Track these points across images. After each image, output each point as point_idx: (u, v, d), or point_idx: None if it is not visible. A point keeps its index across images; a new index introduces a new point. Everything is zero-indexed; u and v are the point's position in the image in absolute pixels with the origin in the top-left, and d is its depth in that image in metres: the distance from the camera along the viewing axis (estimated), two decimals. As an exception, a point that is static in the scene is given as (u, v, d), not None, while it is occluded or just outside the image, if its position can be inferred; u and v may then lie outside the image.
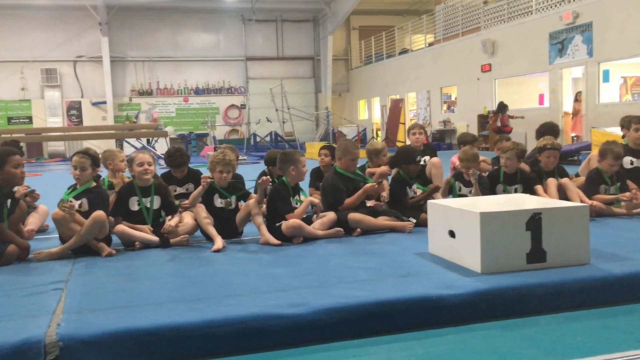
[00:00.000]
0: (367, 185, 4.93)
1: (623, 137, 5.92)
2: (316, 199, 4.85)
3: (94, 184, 4.42)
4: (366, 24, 27.81)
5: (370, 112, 26.51)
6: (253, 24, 25.97)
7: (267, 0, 24.38)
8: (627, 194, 5.14)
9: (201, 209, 4.58)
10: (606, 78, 14.41)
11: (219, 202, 4.73)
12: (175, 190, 5.26)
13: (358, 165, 5.26)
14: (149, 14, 24.82)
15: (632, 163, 5.57)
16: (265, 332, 2.68)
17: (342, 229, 4.65)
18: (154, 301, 2.99)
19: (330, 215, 4.73)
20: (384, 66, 24.50)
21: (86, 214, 4.22)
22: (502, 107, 15.93)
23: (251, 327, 2.67)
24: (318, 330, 2.74)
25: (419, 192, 5.21)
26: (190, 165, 5.49)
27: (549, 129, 6.18)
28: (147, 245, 4.41)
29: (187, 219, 4.71)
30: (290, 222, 4.47)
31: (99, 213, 4.16)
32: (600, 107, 13.99)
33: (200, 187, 4.60)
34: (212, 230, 4.45)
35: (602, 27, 13.54)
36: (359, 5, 24.38)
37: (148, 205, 4.59)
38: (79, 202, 4.32)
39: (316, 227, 4.60)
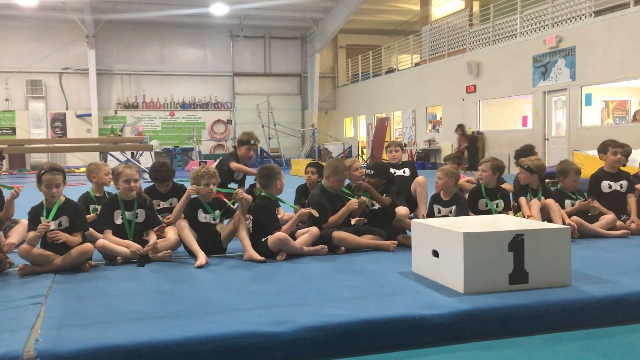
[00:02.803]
0: (350, 201, 4.93)
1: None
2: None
3: (63, 198, 4.32)
4: (353, 42, 28.07)
5: (356, 130, 26.64)
6: (241, 40, 26.09)
7: (256, 17, 24.53)
8: (589, 202, 5.39)
9: (185, 224, 4.56)
10: (588, 102, 14.65)
11: (202, 217, 4.71)
12: (159, 205, 5.23)
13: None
14: (137, 27, 24.84)
15: (610, 187, 5.65)
16: (246, 350, 2.66)
17: (326, 247, 4.65)
18: (134, 317, 2.95)
19: (313, 230, 4.72)
20: (370, 85, 24.69)
21: (66, 231, 4.16)
22: (461, 127, 17.39)
23: (232, 345, 2.65)
24: (300, 348, 2.72)
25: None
26: (174, 180, 5.47)
27: (525, 150, 6.38)
28: (128, 260, 4.37)
29: (170, 234, 4.68)
30: (277, 235, 4.45)
31: (88, 246, 4.13)
32: (583, 130, 14.20)
33: (183, 198, 4.59)
34: (196, 246, 4.42)
35: (585, 51, 13.79)
36: (347, 25, 24.64)
37: (131, 219, 4.56)
38: (57, 221, 4.18)
39: (301, 242, 4.60)
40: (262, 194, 4.80)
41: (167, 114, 26.24)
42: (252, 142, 5.88)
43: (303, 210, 4.76)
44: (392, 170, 5.80)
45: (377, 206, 5.19)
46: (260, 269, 4.15)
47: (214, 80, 26.75)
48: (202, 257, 4.28)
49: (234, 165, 5.74)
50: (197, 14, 22.98)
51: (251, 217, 4.74)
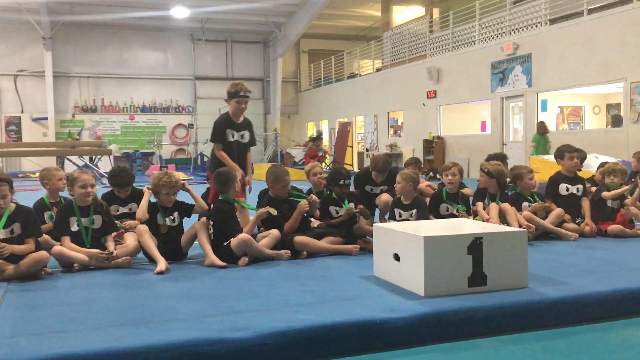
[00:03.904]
0: (300, 203, 4.91)
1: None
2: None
3: (14, 205, 4.19)
4: (316, 47, 28.16)
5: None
6: (202, 44, 25.88)
7: (217, 20, 24.37)
8: (544, 205, 5.55)
9: (144, 230, 4.49)
10: (544, 107, 15.04)
11: (161, 221, 4.66)
12: (118, 210, 5.14)
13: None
14: (95, 29, 24.38)
15: (567, 189, 5.81)
16: (207, 357, 2.62)
17: (289, 251, 4.64)
18: (92, 325, 2.89)
19: (274, 232, 4.70)
20: (332, 89, 24.81)
21: (19, 237, 4.04)
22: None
23: (193, 352, 2.61)
24: (262, 354, 2.71)
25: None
26: (134, 185, 5.38)
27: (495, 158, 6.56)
28: (86, 267, 4.27)
29: (130, 239, 4.60)
30: (240, 237, 4.42)
31: (43, 254, 4.02)
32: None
33: (144, 200, 4.61)
34: (155, 252, 4.36)
35: (541, 58, 14.16)
36: (309, 29, 24.70)
37: (87, 226, 4.46)
38: (9, 229, 4.05)
39: (262, 245, 4.57)
40: (220, 198, 4.78)
41: (126, 118, 25.81)
42: (242, 93, 5.20)
43: (261, 210, 4.73)
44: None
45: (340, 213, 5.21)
46: (222, 274, 4.11)
47: (175, 84, 26.45)
48: (162, 263, 4.21)
49: (218, 153, 5.21)
50: (157, 17, 22.69)
51: (211, 223, 4.69)
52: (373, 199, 5.90)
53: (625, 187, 5.58)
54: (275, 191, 4.98)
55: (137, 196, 5.05)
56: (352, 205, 5.09)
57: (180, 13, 21.72)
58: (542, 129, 13.54)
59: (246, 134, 5.34)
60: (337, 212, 5.19)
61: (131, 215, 4.99)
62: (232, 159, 5.13)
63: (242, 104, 5.23)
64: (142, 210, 4.61)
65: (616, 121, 14.85)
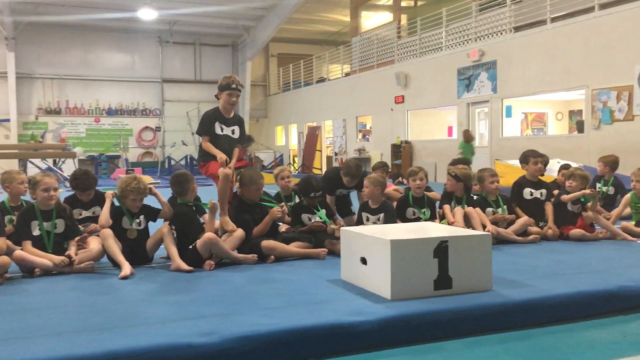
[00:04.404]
0: (273, 210, 4.91)
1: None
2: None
3: None
4: (285, 51, 28.17)
5: (287, 139, 26.69)
6: (170, 46, 25.64)
7: (185, 23, 24.19)
8: (504, 216, 5.61)
9: (109, 234, 4.41)
10: (509, 113, 15.33)
11: (127, 224, 4.59)
12: (81, 214, 5.04)
13: None
14: (60, 30, 23.94)
15: (531, 194, 5.92)
16: (172, 362, 2.59)
17: (256, 256, 4.62)
18: (53, 332, 2.82)
19: (238, 232, 4.67)
20: (301, 94, 24.84)
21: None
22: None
23: (157, 358, 2.57)
24: (228, 359, 2.69)
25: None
26: (99, 188, 5.29)
27: (459, 162, 6.62)
28: (47, 272, 4.18)
29: (93, 244, 4.52)
30: (206, 236, 4.39)
31: (4, 260, 3.93)
32: (504, 140, 14.82)
33: (106, 205, 4.51)
34: (120, 256, 4.29)
35: (505, 65, 14.43)
36: (278, 33, 24.71)
37: (49, 230, 4.37)
38: None
39: (227, 245, 4.54)
40: (178, 201, 4.74)
41: (92, 121, 25.39)
42: (234, 85, 5.01)
43: (277, 208, 4.88)
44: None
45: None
46: (188, 279, 4.07)
47: (141, 87, 26.13)
48: (126, 268, 4.15)
49: (204, 144, 5.04)
50: (124, 18, 22.40)
51: (173, 228, 4.62)
52: (343, 201, 5.92)
53: (583, 191, 5.69)
54: (247, 194, 4.95)
55: (101, 200, 4.96)
56: (333, 226, 5.07)
57: (147, 15, 21.49)
58: (467, 137, 14.66)
59: (237, 129, 5.13)
60: (309, 219, 5.19)
61: (95, 219, 4.90)
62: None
63: (234, 97, 5.01)
64: (104, 216, 4.52)
65: (580, 127, 15.24)
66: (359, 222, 5.35)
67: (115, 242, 4.39)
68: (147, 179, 14.72)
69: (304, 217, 5.22)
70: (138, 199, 4.62)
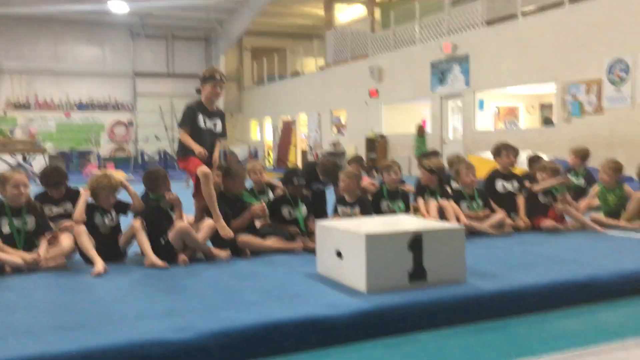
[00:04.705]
0: (255, 207, 4.90)
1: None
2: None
3: None
4: (259, 45, 28.01)
5: (262, 133, 26.59)
6: (142, 39, 25.30)
7: (157, 16, 23.89)
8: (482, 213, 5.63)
9: (82, 230, 4.35)
10: (482, 107, 15.49)
11: (99, 220, 4.53)
12: (52, 211, 4.95)
13: None
14: (28, 23, 23.43)
15: (503, 186, 6.00)
16: (148, 359, 2.57)
17: (230, 251, 4.59)
18: (25, 330, 2.78)
19: (208, 222, 4.64)
20: (275, 87, 24.75)
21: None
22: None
23: (132, 355, 2.55)
24: (204, 355, 2.67)
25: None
26: (70, 184, 5.20)
27: (430, 154, 6.64)
28: (18, 270, 4.10)
29: (65, 240, 4.44)
30: (178, 226, 4.37)
31: None
32: (477, 134, 14.98)
33: (81, 202, 4.44)
34: (93, 253, 4.23)
35: (478, 59, 14.57)
36: (252, 27, 24.55)
37: (20, 227, 4.29)
38: None
39: (200, 236, 4.51)
40: (150, 197, 4.70)
41: (62, 115, 24.95)
42: (218, 76, 4.84)
43: (258, 206, 4.84)
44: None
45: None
46: (162, 275, 4.03)
47: (113, 80, 25.76)
48: (99, 265, 4.09)
49: (182, 137, 4.76)
50: (94, 11, 22.02)
51: (146, 223, 4.57)
52: (319, 199, 5.91)
53: (552, 180, 5.77)
54: (230, 186, 4.92)
55: (72, 196, 4.88)
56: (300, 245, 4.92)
57: (118, 8, 21.17)
58: (420, 130, 15.47)
59: (219, 123, 4.94)
60: (289, 214, 5.16)
61: (66, 216, 4.82)
62: (202, 146, 4.67)
63: (218, 88, 4.81)
64: (79, 212, 4.46)
65: (547, 122, 15.54)
66: (335, 215, 5.37)
67: (88, 238, 4.33)
68: (121, 174, 14.54)
69: (285, 211, 5.20)
70: (111, 195, 4.57)
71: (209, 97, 4.85)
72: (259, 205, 4.93)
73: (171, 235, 4.37)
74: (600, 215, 6.01)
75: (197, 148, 4.64)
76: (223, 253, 4.55)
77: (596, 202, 6.35)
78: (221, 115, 5.00)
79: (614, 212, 5.98)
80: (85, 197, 4.55)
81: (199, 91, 4.93)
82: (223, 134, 5.01)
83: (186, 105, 4.93)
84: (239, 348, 2.75)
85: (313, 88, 21.97)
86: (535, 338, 3.01)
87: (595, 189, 6.33)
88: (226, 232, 4.52)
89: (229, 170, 4.93)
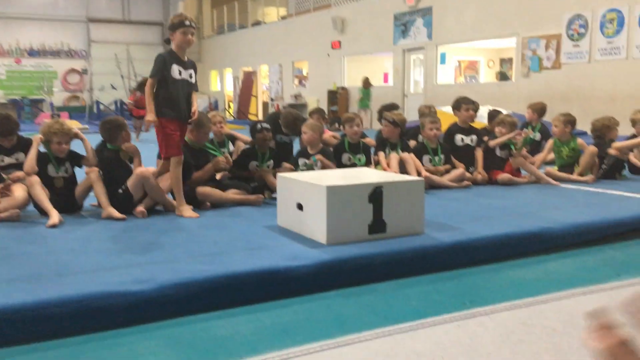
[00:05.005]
0: (217, 159, 4.86)
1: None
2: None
3: None
4: (218, -8, 27.19)
5: (222, 84, 26.11)
6: (96, -17, 24.25)
7: (112, -42, 22.86)
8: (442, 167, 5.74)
9: (35, 181, 4.23)
10: (443, 60, 15.52)
11: (53, 172, 4.41)
12: (3, 161, 4.79)
13: None
14: (-27, -38, 22.14)
15: (462, 140, 6.08)
16: (106, 311, 2.55)
17: (191, 206, 4.54)
18: (-22, 283, 2.71)
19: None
20: (236, 37, 24.20)
21: None
22: (143, 83, 11.81)
23: (90, 307, 2.53)
24: (164, 306, 2.67)
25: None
26: (22, 133, 5.02)
27: (389, 107, 6.66)
28: (-31, 222, 3.99)
29: (18, 191, 4.32)
30: (138, 171, 4.30)
31: None
32: (438, 87, 15.05)
33: (32, 151, 4.27)
34: (47, 204, 4.13)
35: (441, 12, 14.50)
36: (212, -27, 23.75)
37: (-30, 177, 4.15)
38: None
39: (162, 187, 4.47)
40: (107, 146, 4.58)
41: (12, 62, 23.93)
42: (187, 22, 4.43)
43: (220, 158, 4.70)
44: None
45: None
46: (120, 226, 3.98)
47: (66, 26, 24.73)
48: (54, 216, 4.00)
49: (147, 89, 4.38)
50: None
51: (101, 172, 4.46)
52: (283, 149, 5.86)
53: (508, 135, 5.87)
54: (194, 137, 4.83)
55: (25, 145, 4.72)
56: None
57: (69, -52, 20.13)
58: (366, 83, 15.96)
59: (193, 73, 4.59)
60: (257, 167, 5.13)
61: (18, 166, 4.67)
62: (177, 98, 4.37)
63: (188, 34, 4.43)
64: (30, 162, 4.29)
65: (503, 77, 15.75)
66: (296, 167, 5.36)
67: (42, 189, 4.22)
68: (75, 124, 14.13)
69: (252, 164, 5.16)
70: (63, 141, 4.41)
71: (181, 45, 4.47)
72: (221, 157, 4.87)
73: (131, 181, 4.29)
74: (555, 169, 6.17)
75: (150, 108, 4.32)
76: (193, 213, 4.46)
77: (551, 156, 6.50)
78: (194, 65, 4.66)
79: (568, 166, 6.14)
80: (36, 144, 4.38)
81: (168, 41, 4.58)
82: (196, 87, 4.69)
83: (158, 54, 4.57)
84: (199, 299, 2.75)
85: (275, 38, 21.56)
86: (489, 287, 3.11)
87: (550, 142, 6.47)
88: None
89: (198, 120, 4.82)
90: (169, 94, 4.34)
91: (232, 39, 24.58)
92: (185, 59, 4.54)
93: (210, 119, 4.97)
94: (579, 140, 6.22)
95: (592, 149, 5.99)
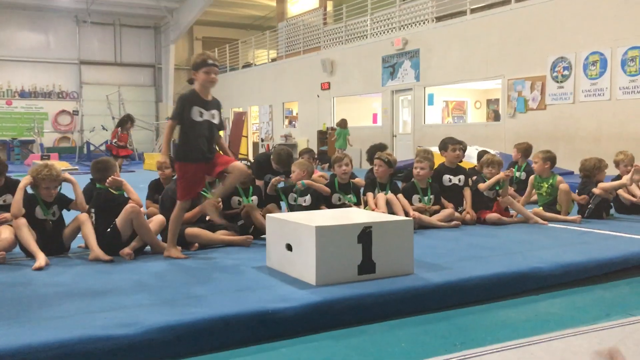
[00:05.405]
0: (208, 201, 4.83)
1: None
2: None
3: None
4: (210, 35, 27.62)
5: (212, 124, 26.23)
6: (88, 26, 24.54)
7: (104, 2, 23.22)
8: (430, 207, 5.75)
9: (22, 223, 4.19)
10: (431, 101, 15.75)
11: (41, 214, 4.37)
12: (-9, 202, 4.76)
13: None
14: (-33, 6, 22.41)
15: (450, 180, 6.12)
16: (90, 355, 2.50)
17: (180, 248, 4.51)
18: (-40, 328, 2.66)
19: (158, 218, 4.60)
20: (227, 79, 24.47)
21: None
22: (124, 120, 12.12)
23: (74, 351, 2.48)
24: (150, 350, 2.62)
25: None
26: (11, 175, 5.01)
27: (380, 147, 6.69)
28: (-46, 265, 3.93)
29: (5, 233, 4.28)
30: (128, 207, 4.28)
31: None
32: (426, 127, 15.22)
33: (19, 193, 4.24)
34: (34, 246, 4.08)
35: (428, 54, 14.79)
36: (203, 16, 24.18)
37: (-44, 220, 4.10)
38: None
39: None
40: (97, 186, 4.58)
41: (3, 103, 23.97)
42: (211, 61, 4.35)
43: (211, 201, 4.55)
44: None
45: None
46: (107, 268, 3.94)
47: (58, 68, 24.92)
48: (41, 258, 3.96)
49: (165, 130, 4.40)
50: (37, -5, 21.24)
51: (92, 211, 4.45)
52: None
53: (497, 176, 5.92)
54: None
55: (13, 187, 4.69)
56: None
57: (63, -8, 20.45)
58: (343, 124, 16.17)
59: (216, 114, 4.48)
60: (239, 203, 5.13)
61: (5, 208, 4.63)
62: (201, 141, 4.27)
63: (212, 74, 4.36)
64: (16, 205, 4.24)
65: (496, 116, 15.97)
66: (287, 203, 5.42)
67: (29, 231, 4.18)
68: (64, 164, 14.11)
69: (234, 199, 5.16)
70: (51, 187, 4.38)
71: (204, 84, 4.38)
72: (213, 200, 4.85)
73: (120, 218, 4.28)
74: (542, 210, 6.20)
75: (165, 151, 4.37)
76: (180, 254, 4.44)
77: (535, 195, 6.54)
78: (218, 105, 4.56)
79: (549, 204, 6.19)
80: (23, 186, 4.34)
81: (191, 81, 4.53)
82: (221, 126, 4.59)
83: (180, 95, 4.52)
84: (185, 343, 2.71)
85: (265, 80, 21.82)
86: (479, 328, 3.09)
87: (531, 178, 6.54)
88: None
89: None
90: (187, 138, 4.27)
91: (223, 80, 24.82)
92: (210, 97, 4.45)
93: None
94: (558, 178, 6.28)
95: (565, 187, 6.08)
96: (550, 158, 6.28)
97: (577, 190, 6.39)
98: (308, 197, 5.30)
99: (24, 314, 2.88)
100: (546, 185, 6.23)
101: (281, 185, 5.53)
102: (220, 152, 4.46)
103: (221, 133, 4.63)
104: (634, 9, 10.42)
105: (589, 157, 6.42)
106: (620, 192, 6.42)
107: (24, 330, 2.60)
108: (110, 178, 4.50)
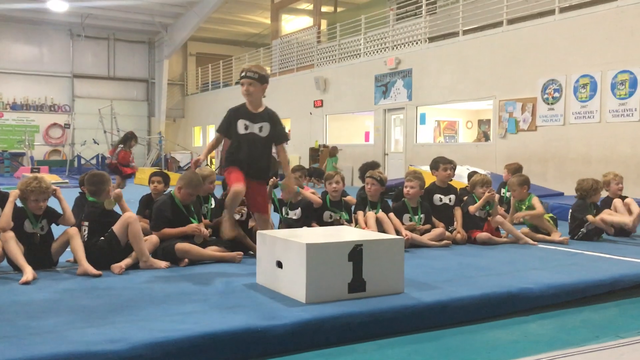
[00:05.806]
0: (191, 225, 4.81)
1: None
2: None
3: None
4: (204, 51, 27.75)
5: (205, 140, 26.26)
6: (82, 40, 24.60)
7: (99, 17, 23.29)
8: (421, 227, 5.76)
9: (10, 236, 4.15)
10: (423, 121, 15.85)
11: (29, 228, 4.33)
12: (-21, 215, 4.71)
13: None
14: (-40, 18, 22.40)
15: (440, 200, 6.13)
16: (76, 371, 2.48)
17: (169, 263, 4.49)
18: (-56, 342, 2.62)
19: (152, 238, 4.58)
20: (220, 94, 24.54)
21: None
22: (128, 138, 11.71)
23: (60, 367, 2.45)
24: (137, 367, 2.60)
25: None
26: (0, 188, 4.97)
27: (372, 165, 6.70)
28: (-61, 277, 3.89)
29: (-8, 247, 4.24)
30: (125, 215, 4.27)
31: None
32: (418, 146, 15.29)
33: (8, 206, 4.19)
34: (22, 260, 4.04)
35: (420, 74, 14.91)
36: (197, 32, 24.31)
37: (-56, 232, 4.06)
38: None
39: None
40: (89, 199, 4.56)
41: (-6, 115, 23.89)
42: (243, 73, 4.59)
43: (192, 226, 4.71)
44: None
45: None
46: (95, 283, 3.90)
47: (50, 81, 24.91)
48: (28, 272, 3.92)
49: (209, 142, 4.53)
50: (32, 9, 21.26)
51: (85, 224, 4.43)
52: None
53: (485, 196, 5.93)
54: (181, 195, 4.86)
55: (1, 199, 4.67)
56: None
57: (58, 6, 20.52)
58: (332, 152, 16.49)
59: (266, 126, 4.44)
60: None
61: (-6, 221, 4.60)
62: (242, 155, 4.31)
63: (243, 85, 4.47)
64: (5, 218, 4.20)
65: (486, 137, 16.09)
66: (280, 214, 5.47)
67: (17, 244, 4.14)
68: (54, 177, 14.03)
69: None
70: (40, 199, 4.34)
71: (244, 96, 4.45)
72: (196, 226, 4.83)
73: (117, 225, 4.28)
74: (531, 231, 6.23)
75: (199, 157, 4.49)
76: (162, 263, 4.44)
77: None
78: (271, 117, 4.52)
79: (530, 226, 6.27)
80: (12, 199, 4.29)
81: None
82: (277, 138, 4.56)
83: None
84: (174, 359, 2.68)
85: (258, 96, 21.85)
86: (468, 349, 3.08)
87: (512, 201, 6.62)
88: (158, 265, 4.40)
89: (192, 180, 4.84)
90: (231, 150, 4.38)
91: (216, 96, 24.92)
92: (259, 110, 4.49)
93: (200, 181, 4.96)
94: (533, 199, 6.32)
95: (540, 211, 6.18)
96: (525, 182, 6.37)
97: (570, 210, 6.42)
98: (298, 211, 5.31)
99: (9, 329, 2.84)
100: (524, 208, 6.31)
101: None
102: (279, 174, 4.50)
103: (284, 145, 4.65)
104: (624, 33, 10.58)
105: (586, 178, 6.43)
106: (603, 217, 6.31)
107: (9, 346, 2.57)
108: (114, 192, 4.51)
